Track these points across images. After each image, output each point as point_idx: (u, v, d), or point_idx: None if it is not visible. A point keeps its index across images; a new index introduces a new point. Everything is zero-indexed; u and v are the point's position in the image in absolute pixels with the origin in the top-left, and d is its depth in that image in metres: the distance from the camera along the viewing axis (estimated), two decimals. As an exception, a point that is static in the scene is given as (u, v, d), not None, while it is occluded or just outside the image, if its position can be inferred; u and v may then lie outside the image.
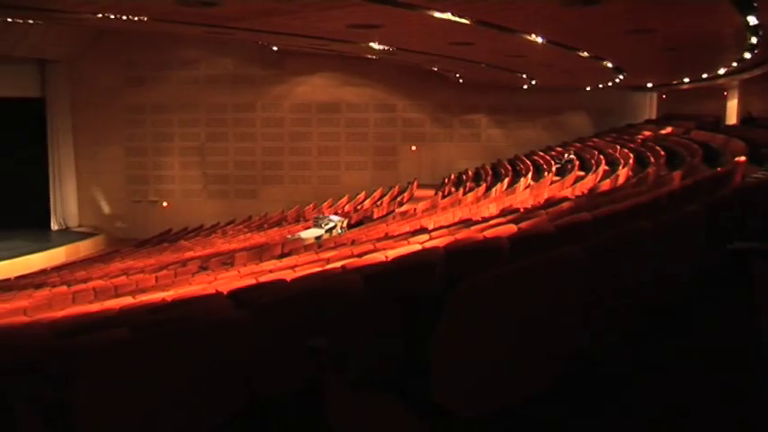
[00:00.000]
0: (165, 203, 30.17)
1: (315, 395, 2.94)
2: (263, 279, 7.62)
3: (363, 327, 3.41)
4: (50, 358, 4.62)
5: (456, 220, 13.86)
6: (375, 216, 21.01)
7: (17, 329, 8.84)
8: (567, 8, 9.60)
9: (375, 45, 17.03)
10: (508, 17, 11.14)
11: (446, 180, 26.45)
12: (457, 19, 10.91)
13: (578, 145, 26.48)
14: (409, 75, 27.55)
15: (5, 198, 29.33)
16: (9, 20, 21.09)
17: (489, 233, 6.80)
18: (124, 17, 14.40)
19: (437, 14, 10.68)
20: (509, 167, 25.04)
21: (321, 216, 20.54)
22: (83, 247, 27.90)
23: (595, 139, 26.90)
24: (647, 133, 25.06)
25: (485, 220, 11.06)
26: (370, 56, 22.79)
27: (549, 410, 2.55)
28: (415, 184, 26.90)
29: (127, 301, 9.23)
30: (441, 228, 11.45)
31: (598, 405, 2.67)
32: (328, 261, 8.88)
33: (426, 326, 2.49)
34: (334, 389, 2.81)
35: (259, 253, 14.78)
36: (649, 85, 27.16)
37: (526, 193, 18.07)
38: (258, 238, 19.95)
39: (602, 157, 21.80)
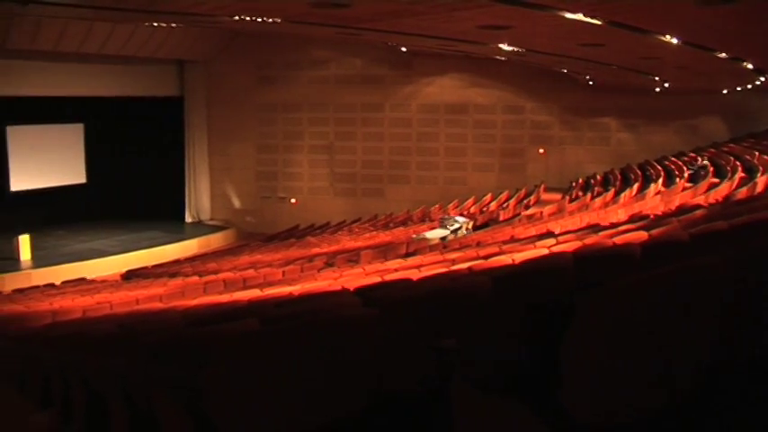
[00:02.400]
0: (292, 200, 30.85)
1: (439, 395, 2.95)
2: (388, 277, 7.69)
3: (490, 329, 3.40)
4: (184, 345, 4.82)
5: (583, 224, 13.61)
6: (501, 218, 20.84)
7: (154, 316, 9.27)
8: (703, 7, 9.25)
9: (504, 46, 16.89)
10: (641, 17, 10.82)
11: (574, 184, 25.91)
12: (588, 19, 10.69)
13: (713, 150, 25.40)
14: (538, 76, 27.14)
15: (146, 191, 30.85)
16: (155, 24, 22.15)
17: (619, 239, 6.65)
18: (259, 19, 14.81)
19: (568, 15, 10.48)
20: (639, 172, 24.31)
21: (447, 217, 20.53)
22: (214, 240, 28.95)
23: (731, 145, 25.72)
24: (789, 139, 23.85)
25: (613, 225, 10.81)
26: (498, 57, 22.62)
27: (678, 424, 2.48)
28: (543, 187, 26.50)
29: (255, 293, 9.51)
30: (568, 232, 11.28)
31: (729, 422, 2.57)
32: (453, 262, 8.87)
33: (554, 331, 2.47)
34: (460, 390, 2.82)
35: (384, 251, 14.91)
36: (794, 88, 25.81)
37: (657, 200, 17.54)
38: (384, 236, 20.13)
39: (738, 163, 20.88)
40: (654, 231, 7.00)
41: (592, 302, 2.12)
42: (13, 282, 21.91)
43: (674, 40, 12.57)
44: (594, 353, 2.14)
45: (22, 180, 28.08)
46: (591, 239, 8.12)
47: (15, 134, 27.92)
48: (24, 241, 24.09)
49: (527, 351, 3.16)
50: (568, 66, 22.42)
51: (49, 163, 29.17)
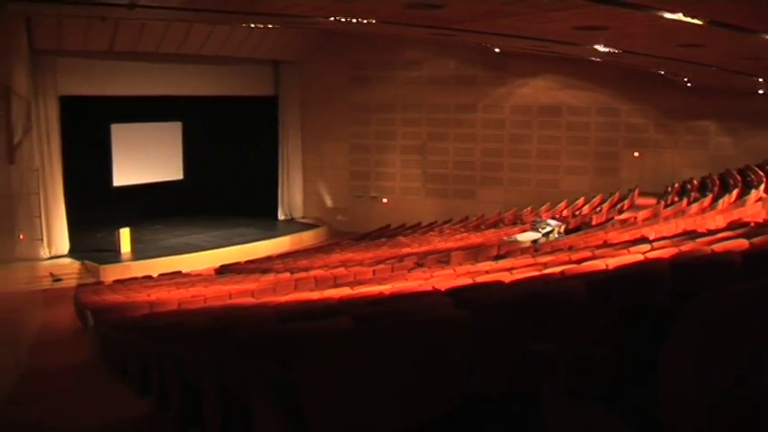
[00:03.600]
0: (384, 200, 31.02)
1: (531, 399, 2.94)
2: (479, 279, 7.67)
3: (584, 334, 3.37)
4: (277, 340, 4.92)
5: (679, 231, 13.28)
6: (594, 222, 20.53)
7: (247, 310, 9.47)
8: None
9: (600, 47, 16.60)
10: (746, 16, 10.49)
11: (669, 189, 25.29)
12: (688, 19, 10.41)
13: (820, 156, 24.44)
14: (633, 78, 26.53)
15: (240, 188, 31.58)
16: (252, 26, 22.63)
17: (718, 247, 6.47)
18: (354, 20, 14.95)
19: (667, 15, 10.24)
20: (739, 178, 23.51)
21: (539, 220, 20.36)
22: (305, 238, 29.36)
23: (841, 150, 24.68)
24: None
25: (711, 232, 10.53)
26: (593, 58, 22.26)
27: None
28: (637, 191, 25.95)
29: (346, 291, 9.62)
30: (663, 238, 11.03)
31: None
32: (545, 265, 8.80)
33: (650, 339, 2.43)
34: (552, 394, 2.80)
35: (475, 253, 14.87)
36: None
37: (758, 207, 16.96)
38: (474, 238, 20.05)
39: None
40: (755, 239, 6.78)
41: (694, 311, 2.07)
42: (113, 272, 22.78)
43: (782, 40, 12.14)
44: (695, 365, 2.10)
45: (123, 175, 29.10)
46: (687, 246, 7.93)
47: (118, 132, 28.96)
48: (125, 234, 25.00)
49: (622, 358, 3.12)
50: (665, 67, 21.90)
51: (148, 160, 30.14)
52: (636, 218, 19.28)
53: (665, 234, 12.77)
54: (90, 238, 26.21)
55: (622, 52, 17.77)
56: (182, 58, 26.47)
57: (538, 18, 12.13)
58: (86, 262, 23.78)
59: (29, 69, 20.81)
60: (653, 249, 8.55)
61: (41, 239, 23.04)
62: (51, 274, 22.64)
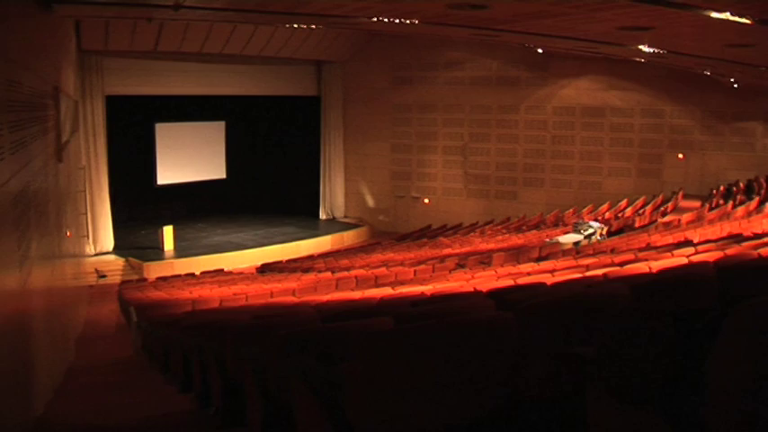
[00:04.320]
0: (425, 200, 31.01)
1: (573, 402, 2.93)
2: (521, 281, 7.64)
3: (628, 338, 3.34)
4: (319, 339, 4.95)
5: (724, 234, 13.10)
6: (637, 225, 20.32)
7: (288, 309, 9.52)
8: None
9: (644, 48, 16.42)
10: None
11: (714, 191, 24.91)
12: (736, 18, 10.25)
13: None
14: (678, 79, 26.16)
15: (282, 187, 31.82)
16: (295, 26, 22.76)
17: (765, 251, 6.37)
18: (397, 20, 14.96)
19: (714, 14, 10.09)
20: (787, 181, 23.14)
21: (581, 221, 20.20)
22: (347, 237, 29.47)
23: None
24: None
25: (757, 236, 10.36)
26: (637, 59, 22.02)
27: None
28: (681, 194, 25.60)
29: (387, 291, 9.62)
30: (707, 242, 10.88)
31: None
32: (587, 268, 8.74)
33: (697, 344, 2.41)
34: (595, 397, 2.78)
35: (516, 254, 14.80)
36: None
37: (807, 210, 16.67)
38: (516, 239, 19.98)
39: None
40: (803, 243, 6.66)
41: (741, 316, 2.05)
42: (157, 270, 23.09)
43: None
44: (741, 370, 2.08)
45: (167, 174, 29.47)
46: (733, 250, 7.82)
47: (163, 131, 29.36)
48: (168, 232, 25.32)
49: (666, 363, 3.09)
50: (711, 68, 21.57)
51: (192, 158, 30.49)
52: (680, 220, 19.04)
53: (710, 237, 12.59)
54: (134, 236, 26.63)
55: (667, 53, 17.55)
56: (225, 59, 26.76)
57: (582, 18, 12.04)
58: (130, 259, 24.15)
59: (77, 69, 21.15)
60: (697, 253, 8.45)
61: (87, 236, 23.40)
62: (96, 271, 23.00)
